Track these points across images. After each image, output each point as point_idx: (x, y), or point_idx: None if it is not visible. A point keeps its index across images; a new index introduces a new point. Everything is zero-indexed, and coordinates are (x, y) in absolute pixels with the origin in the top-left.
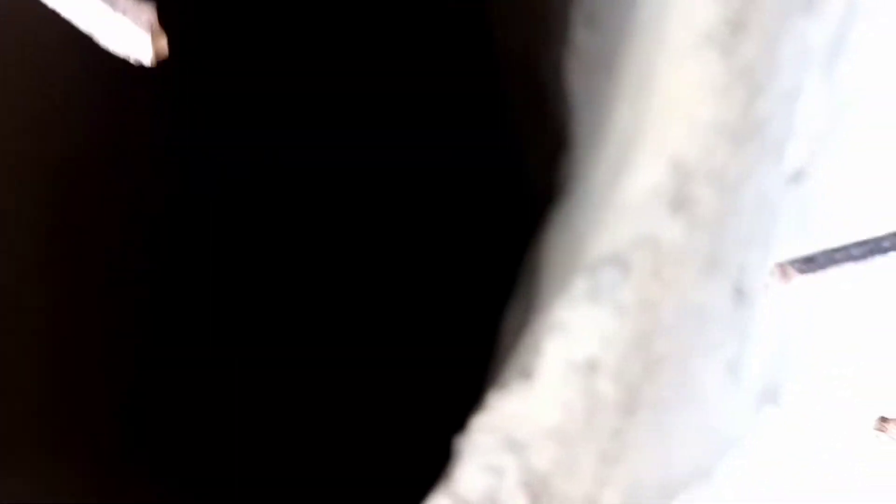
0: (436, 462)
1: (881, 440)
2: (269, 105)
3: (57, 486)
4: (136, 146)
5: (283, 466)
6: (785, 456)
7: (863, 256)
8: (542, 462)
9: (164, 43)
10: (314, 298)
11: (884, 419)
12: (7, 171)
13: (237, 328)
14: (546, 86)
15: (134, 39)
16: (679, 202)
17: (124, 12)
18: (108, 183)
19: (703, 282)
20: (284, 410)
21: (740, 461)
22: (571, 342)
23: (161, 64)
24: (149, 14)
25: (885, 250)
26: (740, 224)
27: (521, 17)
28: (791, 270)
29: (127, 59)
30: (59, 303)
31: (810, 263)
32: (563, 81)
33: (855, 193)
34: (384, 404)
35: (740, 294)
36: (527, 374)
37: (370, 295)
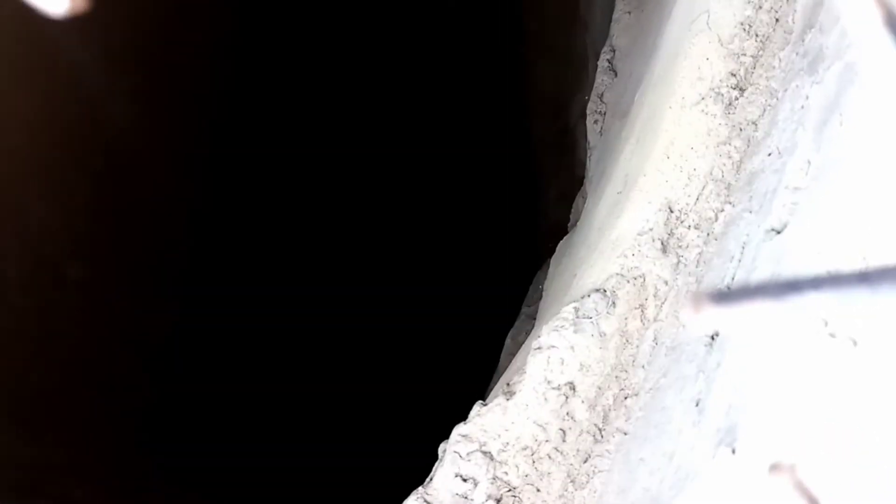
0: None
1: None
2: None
3: (84, 453)
4: (177, 136)
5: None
6: (737, 499)
7: (778, 295)
8: (513, 476)
9: None
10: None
11: (776, 466)
12: (62, 150)
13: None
14: (572, 128)
15: None
16: (669, 244)
17: None
18: (152, 168)
19: (683, 322)
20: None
21: (696, 498)
22: (553, 365)
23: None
24: None
25: (801, 291)
26: (724, 269)
27: (552, 63)
28: (703, 301)
29: (41, 10)
30: (97, 279)
31: (725, 296)
32: (586, 124)
33: (832, 244)
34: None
35: (715, 336)
36: (509, 391)
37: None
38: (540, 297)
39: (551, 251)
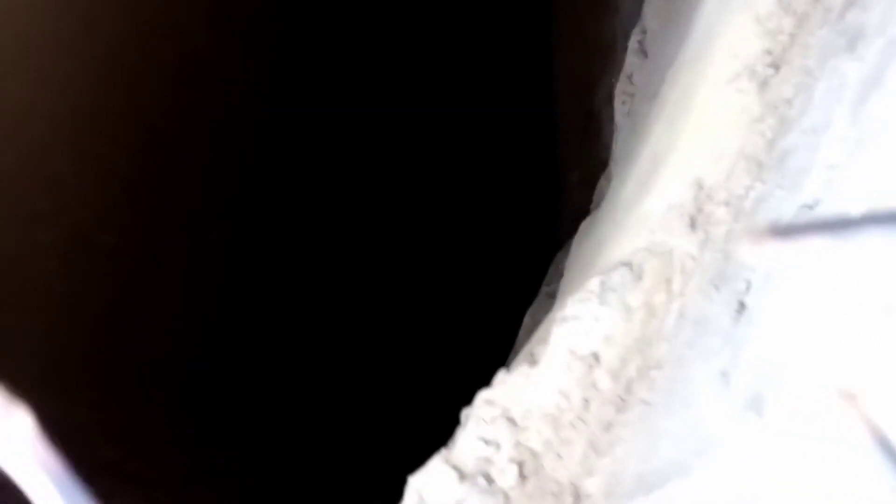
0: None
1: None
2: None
3: (112, 415)
4: (216, 108)
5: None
6: (762, 462)
7: (841, 229)
8: (536, 442)
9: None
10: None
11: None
12: (100, 120)
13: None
14: (597, 111)
15: None
16: (698, 220)
17: None
18: (189, 142)
19: (710, 295)
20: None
21: (720, 463)
22: (577, 335)
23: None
24: None
25: (863, 227)
26: None
27: (581, 46)
28: (764, 235)
29: None
30: (128, 247)
31: (786, 230)
32: (613, 107)
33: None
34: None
35: (743, 308)
36: (533, 360)
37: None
38: (560, 276)
39: (572, 234)
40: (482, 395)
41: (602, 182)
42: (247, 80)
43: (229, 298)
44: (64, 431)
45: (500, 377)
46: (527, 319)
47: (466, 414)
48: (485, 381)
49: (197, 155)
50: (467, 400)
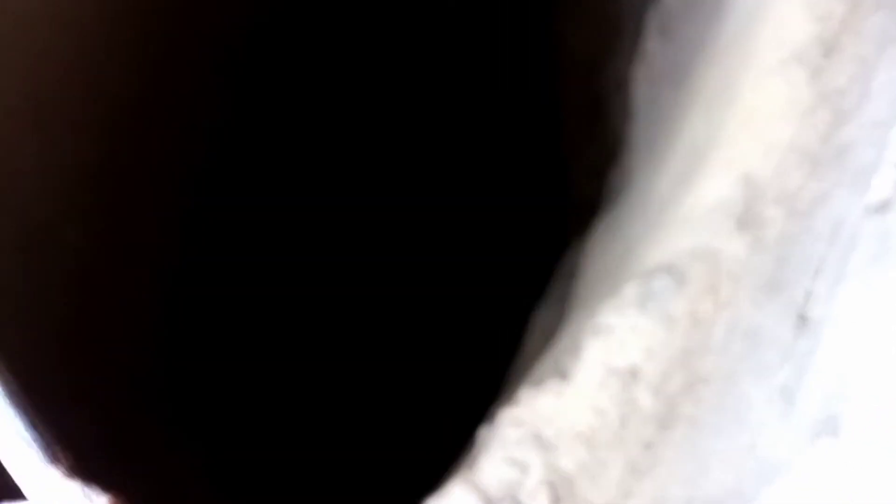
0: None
1: None
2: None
3: (74, 427)
4: (187, 99)
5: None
6: (840, 489)
7: None
8: (569, 464)
9: None
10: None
11: None
12: (63, 110)
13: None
14: (605, 96)
15: None
16: (746, 220)
17: None
18: (156, 132)
19: (763, 304)
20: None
21: (789, 490)
22: (614, 348)
23: None
24: None
25: None
26: (811, 250)
27: (591, 25)
28: None
29: None
30: (95, 246)
31: None
32: (625, 92)
33: None
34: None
35: (804, 321)
36: (563, 374)
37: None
38: (570, 276)
39: (580, 226)
40: (507, 414)
41: (613, 174)
42: (222, 68)
43: (201, 296)
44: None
45: (526, 393)
46: (534, 321)
47: (487, 433)
48: (486, 382)
49: (167, 145)
50: (469, 402)
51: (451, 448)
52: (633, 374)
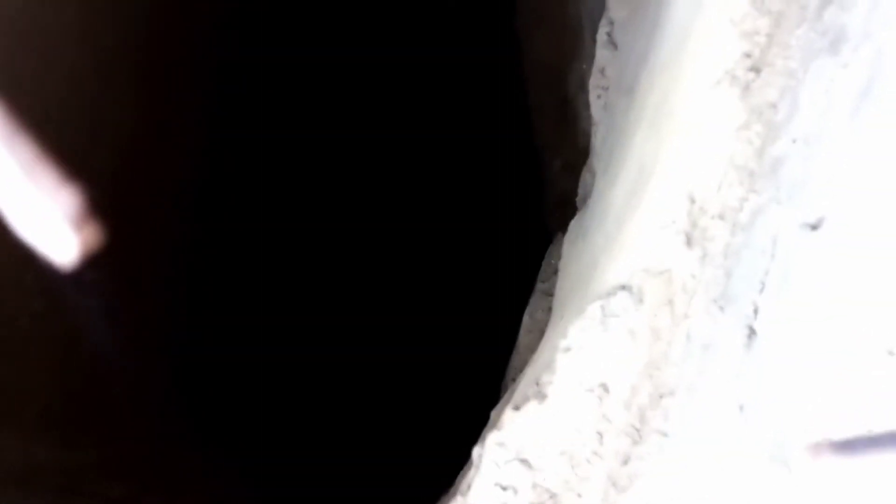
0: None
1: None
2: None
3: (118, 452)
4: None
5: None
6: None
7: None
8: (553, 483)
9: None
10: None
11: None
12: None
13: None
14: (572, 98)
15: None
16: (693, 235)
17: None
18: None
19: (717, 317)
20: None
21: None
22: (583, 365)
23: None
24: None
25: None
26: (756, 264)
27: (550, 30)
28: (824, 450)
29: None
30: (114, 281)
31: (846, 447)
32: (587, 95)
33: (879, 245)
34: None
35: (754, 334)
36: (541, 395)
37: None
38: (554, 272)
39: (559, 221)
40: (493, 438)
41: (585, 173)
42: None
43: (230, 321)
44: (72, 473)
45: (509, 416)
46: (526, 318)
47: (478, 455)
48: (483, 381)
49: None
50: (465, 402)
51: (450, 448)
52: (604, 389)
